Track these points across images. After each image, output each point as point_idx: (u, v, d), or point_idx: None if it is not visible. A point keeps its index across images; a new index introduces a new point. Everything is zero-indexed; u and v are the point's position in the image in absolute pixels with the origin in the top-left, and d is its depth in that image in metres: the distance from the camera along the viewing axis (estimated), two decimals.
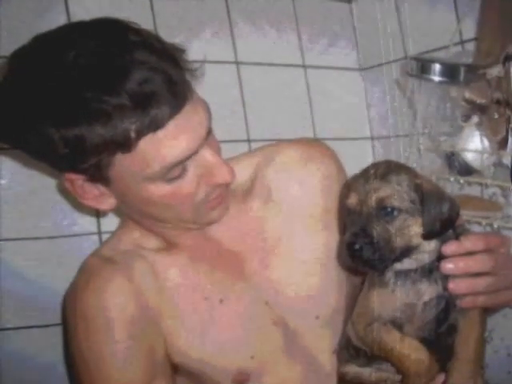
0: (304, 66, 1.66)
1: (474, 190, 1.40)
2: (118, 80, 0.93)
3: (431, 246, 1.02)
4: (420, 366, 1.00)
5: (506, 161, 1.26)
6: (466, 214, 1.22)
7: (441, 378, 1.02)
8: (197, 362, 1.12)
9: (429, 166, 1.38)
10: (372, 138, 1.74)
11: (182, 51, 1.03)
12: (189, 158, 1.03)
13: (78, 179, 1.03)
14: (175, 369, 1.14)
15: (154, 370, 1.10)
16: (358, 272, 1.15)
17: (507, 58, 1.20)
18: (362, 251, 0.99)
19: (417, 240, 1.01)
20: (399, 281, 1.04)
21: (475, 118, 1.30)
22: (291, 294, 1.19)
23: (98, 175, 1.01)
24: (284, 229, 1.22)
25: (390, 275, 1.04)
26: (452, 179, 1.36)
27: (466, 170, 1.35)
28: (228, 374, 1.13)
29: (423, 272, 1.04)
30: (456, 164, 1.36)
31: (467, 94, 1.27)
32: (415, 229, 1.01)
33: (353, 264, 1.02)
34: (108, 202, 1.08)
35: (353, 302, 1.13)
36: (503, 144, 1.25)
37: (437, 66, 1.29)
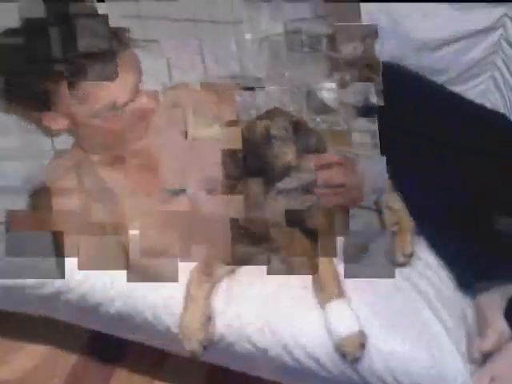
0: None
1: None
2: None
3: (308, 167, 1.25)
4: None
5: (346, 99, 1.48)
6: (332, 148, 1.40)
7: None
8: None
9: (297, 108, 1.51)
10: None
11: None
12: (124, 105, 1.37)
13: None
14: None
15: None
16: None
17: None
18: (246, 160, 1.22)
19: (292, 162, 1.25)
20: (282, 196, 1.26)
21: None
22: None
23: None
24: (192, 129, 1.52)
25: (273, 193, 1.27)
26: (309, 118, 1.46)
27: (323, 109, 1.50)
28: None
29: (303, 190, 1.26)
30: (314, 104, 1.51)
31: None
32: (290, 153, 1.25)
33: (236, 172, 1.24)
34: (60, 123, 1.41)
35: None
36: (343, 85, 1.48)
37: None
